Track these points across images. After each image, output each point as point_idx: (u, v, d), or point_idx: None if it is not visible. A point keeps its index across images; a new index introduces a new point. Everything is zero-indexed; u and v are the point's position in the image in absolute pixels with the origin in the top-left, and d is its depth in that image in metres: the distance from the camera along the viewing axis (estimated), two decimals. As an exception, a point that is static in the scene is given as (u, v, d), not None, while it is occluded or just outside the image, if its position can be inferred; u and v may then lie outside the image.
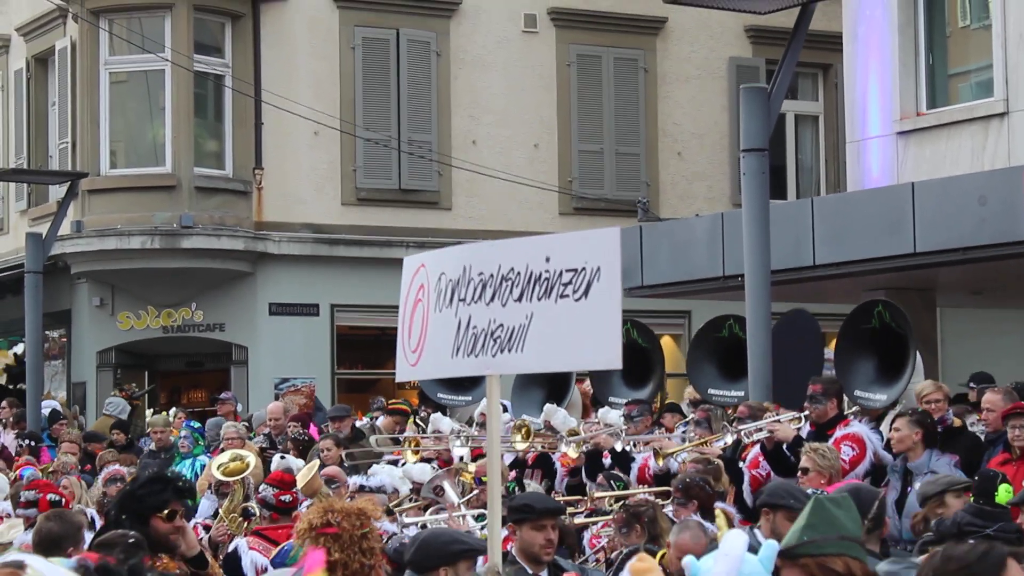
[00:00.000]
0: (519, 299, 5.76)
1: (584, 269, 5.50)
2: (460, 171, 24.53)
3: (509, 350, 5.78)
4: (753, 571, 4.26)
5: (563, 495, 13.37)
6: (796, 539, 4.55)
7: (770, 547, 4.32)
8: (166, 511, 7.82)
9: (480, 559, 7.57)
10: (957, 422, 12.47)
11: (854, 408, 13.23)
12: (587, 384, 18.41)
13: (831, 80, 26.36)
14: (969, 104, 18.69)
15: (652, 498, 11.06)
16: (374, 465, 13.97)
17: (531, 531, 8.25)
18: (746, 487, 12.27)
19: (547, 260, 5.67)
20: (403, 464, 13.87)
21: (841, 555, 4.58)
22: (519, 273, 5.78)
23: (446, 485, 12.22)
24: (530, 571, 8.13)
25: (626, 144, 25.86)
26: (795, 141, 26.78)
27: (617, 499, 12.26)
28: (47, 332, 24.32)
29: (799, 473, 10.69)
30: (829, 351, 14.71)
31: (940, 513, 9.26)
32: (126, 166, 24.14)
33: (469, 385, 16.60)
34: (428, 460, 14.04)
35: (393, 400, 19.31)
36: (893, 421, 11.88)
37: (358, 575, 6.03)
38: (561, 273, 5.59)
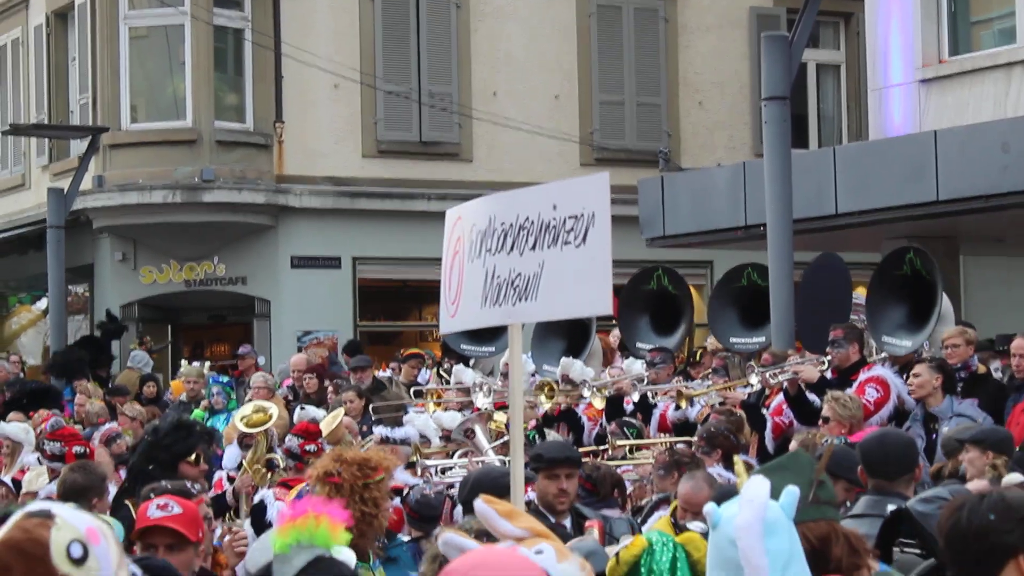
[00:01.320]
0: (533, 247, 5.78)
1: (583, 215, 5.52)
2: (481, 123, 24.47)
3: (526, 299, 5.80)
4: (776, 517, 4.25)
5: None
6: None
7: (791, 493, 4.31)
8: (193, 455, 7.89)
9: None
10: (982, 368, 12.36)
11: (882, 355, 13.20)
12: (613, 334, 18.45)
13: (853, 28, 26.21)
14: (992, 51, 18.59)
15: (698, 454, 11.00)
16: (411, 413, 14.02)
17: (544, 480, 8.22)
18: (768, 434, 12.28)
19: (554, 208, 5.68)
20: (432, 414, 13.92)
21: None
22: (533, 222, 5.80)
23: (477, 429, 12.24)
24: (552, 520, 8.07)
25: (647, 94, 25.77)
26: (817, 90, 26.67)
27: (633, 448, 12.28)
28: (70, 287, 24.38)
29: (820, 422, 10.69)
30: (858, 295, 14.63)
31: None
32: (147, 120, 24.13)
33: (491, 336, 16.60)
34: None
35: (403, 349, 19.27)
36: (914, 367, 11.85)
37: (360, 523, 6.33)
38: (565, 220, 5.61)
